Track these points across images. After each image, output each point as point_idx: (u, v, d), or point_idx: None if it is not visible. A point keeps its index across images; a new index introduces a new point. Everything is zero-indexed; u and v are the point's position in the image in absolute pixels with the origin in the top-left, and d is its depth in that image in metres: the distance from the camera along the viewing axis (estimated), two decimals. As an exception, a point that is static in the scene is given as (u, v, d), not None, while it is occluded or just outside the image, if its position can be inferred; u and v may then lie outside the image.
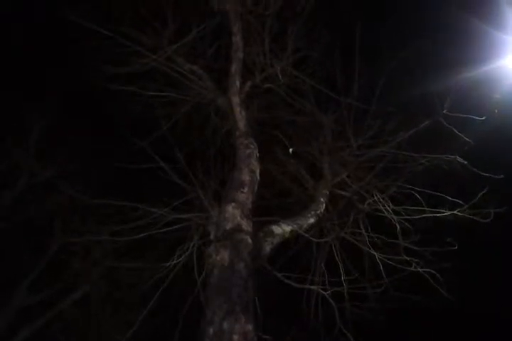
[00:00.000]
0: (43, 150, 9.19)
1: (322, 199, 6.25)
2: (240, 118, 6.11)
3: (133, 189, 7.99)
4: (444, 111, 6.47)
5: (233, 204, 4.22)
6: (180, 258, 5.56)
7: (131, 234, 6.26)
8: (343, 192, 7.08)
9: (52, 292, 9.06)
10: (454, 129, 6.49)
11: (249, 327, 2.97)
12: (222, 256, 3.53)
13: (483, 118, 6.42)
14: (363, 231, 6.61)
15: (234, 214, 4.08)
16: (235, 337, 2.86)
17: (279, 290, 6.32)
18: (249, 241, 3.80)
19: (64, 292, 9.09)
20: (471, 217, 6.24)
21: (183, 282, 6.11)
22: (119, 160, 6.98)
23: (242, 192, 4.51)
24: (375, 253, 6.13)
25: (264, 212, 5.87)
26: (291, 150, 7.37)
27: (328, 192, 6.69)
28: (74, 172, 8.88)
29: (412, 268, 5.89)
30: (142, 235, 5.95)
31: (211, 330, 2.95)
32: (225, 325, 2.94)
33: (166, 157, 6.47)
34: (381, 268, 6.06)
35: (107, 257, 8.67)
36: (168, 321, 6.26)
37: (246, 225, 4.02)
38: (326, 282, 5.83)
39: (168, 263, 5.56)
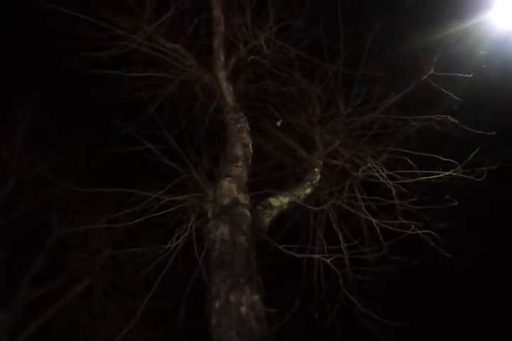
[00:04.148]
0: (30, 145, 9.02)
1: (317, 170, 6.22)
2: (228, 94, 6.01)
3: (127, 176, 7.92)
4: (431, 71, 6.40)
5: (229, 178, 4.17)
6: (179, 240, 5.56)
7: (128, 221, 6.24)
8: (336, 161, 7.07)
9: (55, 286, 9.06)
10: (442, 89, 6.43)
11: (256, 297, 2.95)
12: (222, 230, 3.49)
13: (471, 75, 6.34)
14: (359, 198, 6.61)
15: (230, 189, 4.03)
16: (243, 308, 2.84)
17: (280, 264, 6.37)
18: (248, 214, 3.76)
19: (67, 285, 9.09)
20: (466, 176, 6.24)
21: (185, 265, 6.13)
22: (108, 147, 6.91)
23: (237, 166, 4.45)
24: (373, 219, 6.14)
25: (260, 186, 5.84)
26: (279, 122, 7.27)
27: (321, 163, 6.65)
28: (64, 164, 8.76)
29: (411, 231, 5.89)
30: (138, 220, 5.92)
31: (217, 304, 2.93)
32: (231, 298, 2.92)
33: (157, 140, 6.41)
34: (379, 233, 6.09)
35: (106, 247, 8.64)
36: (173, 304, 6.28)
37: (243, 199, 3.98)
38: (325, 250, 5.84)
39: (167, 246, 5.55)
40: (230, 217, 3.64)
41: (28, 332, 8.31)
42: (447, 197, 5.99)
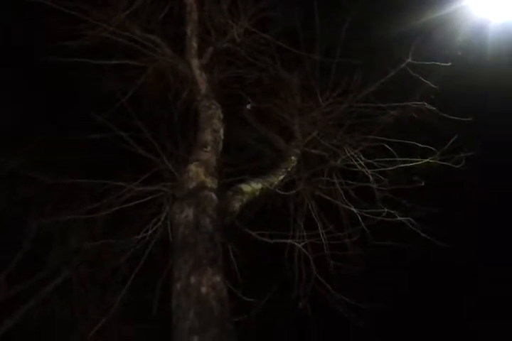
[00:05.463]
0: (2, 140, 8.80)
1: (293, 158, 6.16)
2: (201, 81, 5.91)
3: (103, 168, 7.78)
4: (409, 60, 6.38)
5: (196, 163, 4.08)
6: (154, 228, 5.50)
7: (107, 213, 6.15)
8: (315, 151, 7.01)
9: (33, 282, 8.87)
10: (420, 77, 6.42)
11: (218, 278, 2.87)
12: (186, 213, 3.41)
13: (449, 64, 6.33)
14: (338, 186, 6.58)
15: (197, 173, 3.94)
16: (203, 289, 2.76)
17: (261, 252, 6.33)
18: (214, 197, 3.68)
19: (45, 280, 8.91)
20: (444, 163, 6.24)
21: (164, 257, 6.04)
22: (84, 138, 6.79)
23: (205, 151, 4.36)
24: (352, 207, 6.12)
25: (238, 176, 5.77)
26: (249, 106, 7.17)
27: (299, 152, 6.59)
28: (38, 159, 8.56)
29: (387, 218, 5.89)
30: (112, 210, 5.85)
31: (178, 286, 2.85)
32: (192, 280, 2.84)
33: (132, 131, 6.32)
34: (360, 220, 6.07)
35: (85, 241, 8.48)
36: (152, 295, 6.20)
37: (210, 182, 3.89)
38: (305, 237, 5.81)
39: (140, 236, 5.49)
40: (195, 200, 3.55)
41: (3, 330, 8.13)
42: (415, 178, 5.98)
